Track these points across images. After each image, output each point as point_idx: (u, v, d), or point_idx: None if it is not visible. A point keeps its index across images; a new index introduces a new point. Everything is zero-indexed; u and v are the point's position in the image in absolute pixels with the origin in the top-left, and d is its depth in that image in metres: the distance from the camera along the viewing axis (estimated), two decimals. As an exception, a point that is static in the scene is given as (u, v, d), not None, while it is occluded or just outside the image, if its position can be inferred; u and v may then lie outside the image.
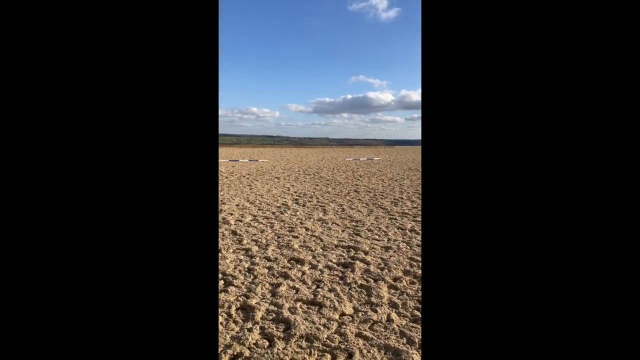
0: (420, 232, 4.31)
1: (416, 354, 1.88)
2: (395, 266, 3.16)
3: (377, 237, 4.11)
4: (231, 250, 3.56)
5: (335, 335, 2.06)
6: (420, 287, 2.73)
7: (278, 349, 1.92)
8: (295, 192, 7.38)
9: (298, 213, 5.33)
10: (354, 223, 4.75)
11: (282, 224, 4.67)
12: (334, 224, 4.68)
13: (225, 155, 21.49)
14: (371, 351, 1.91)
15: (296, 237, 4.06)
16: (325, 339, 2.02)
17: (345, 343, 1.98)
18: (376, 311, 2.34)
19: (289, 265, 3.19)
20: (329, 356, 1.87)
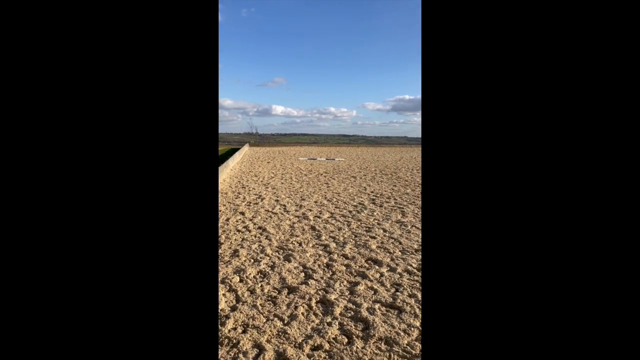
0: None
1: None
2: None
3: (462, 244, 3.79)
4: (310, 245, 3.72)
5: (416, 343, 1.97)
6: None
7: (357, 347, 1.93)
8: (372, 192, 7.30)
9: (375, 213, 5.27)
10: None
11: (358, 223, 4.67)
12: (413, 227, 4.48)
13: (304, 153, 22.53)
14: (457, 367, 1.78)
15: (374, 237, 4.02)
16: (405, 345, 1.96)
17: (427, 353, 1.88)
18: (462, 324, 2.17)
19: (366, 265, 3.17)
20: (409, 363, 1.80)
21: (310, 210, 5.39)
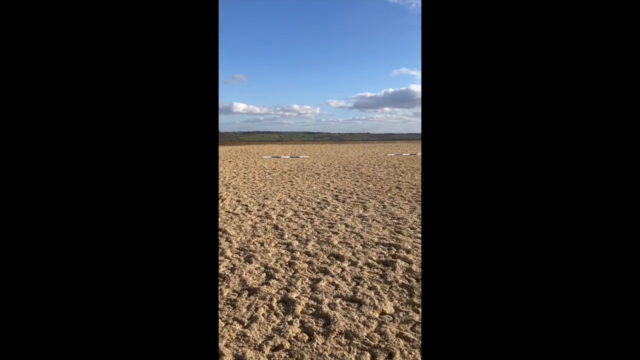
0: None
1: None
2: (439, 266, 3.02)
3: (419, 234, 3.96)
4: (273, 244, 3.67)
5: (375, 334, 2.02)
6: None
7: (317, 344, 1.94)
8: (335, 189, 7.38)
9: (338, 209, 5.33)
10: (395, 220, 4.63)
11: (322, 219, 4.70)
12: (374, 221, 4.60)
13: (267, 152, 22.19)
14: (412, 352, 1.85)
15: (336, 233, 4.06)
16: (364, 337, 2.00)
17: (386, 342, 1.94)
18: (418, 312, 2.26)
19: (328, 261, 3.20)
20: (368, 355, 1.85)
21: (274, 209, 5.32)
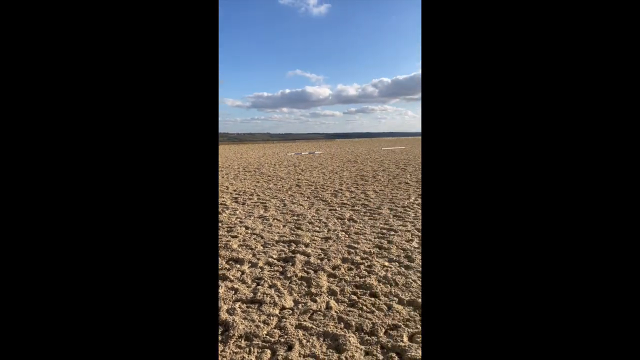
0: (358, 220, 4.52)
1: (353, 336, 1.98)
2: (334, 255, 3.26)
3: (317, 228, 4.19)
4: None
5: (275, 330, 2.06)
6: (357, 272, 2.87)
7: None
8: (235, 191, 7.14)
9: (237, 212, 5.18)
10: (295, 217, 4.78)
11: (219, 224, 4.48)
12: (275, 220, 4.65)
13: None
14: (310, 340, 1.96)
15: (235, 236, 3.95)
16: (264, 336, 2.01)
17: (285, 336, 2.00)
18: (316, 301, 2.40)
19: (227, 266, 3.09)
20: (268, 352, 1.87)
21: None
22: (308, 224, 4.42)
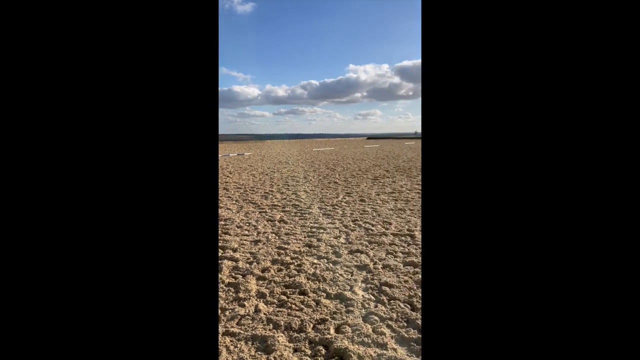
0: (289, 221, 4.56)
1: (282, 336, 2.00)
2: (264, 257, 3.24)
3: (246, 232, 4.10)
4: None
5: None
6: (287, 272, 2.90)
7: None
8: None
9: (157, 219, 4.75)
10: (222, 222, 4.59)
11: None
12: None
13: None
14: (238, 345, 1.92)
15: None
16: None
17: (212, 346, 1.92)
18: (244, 305, 2.36)
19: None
20: (192, 365, 1.77)
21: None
22: (236, 227, 4.29)
